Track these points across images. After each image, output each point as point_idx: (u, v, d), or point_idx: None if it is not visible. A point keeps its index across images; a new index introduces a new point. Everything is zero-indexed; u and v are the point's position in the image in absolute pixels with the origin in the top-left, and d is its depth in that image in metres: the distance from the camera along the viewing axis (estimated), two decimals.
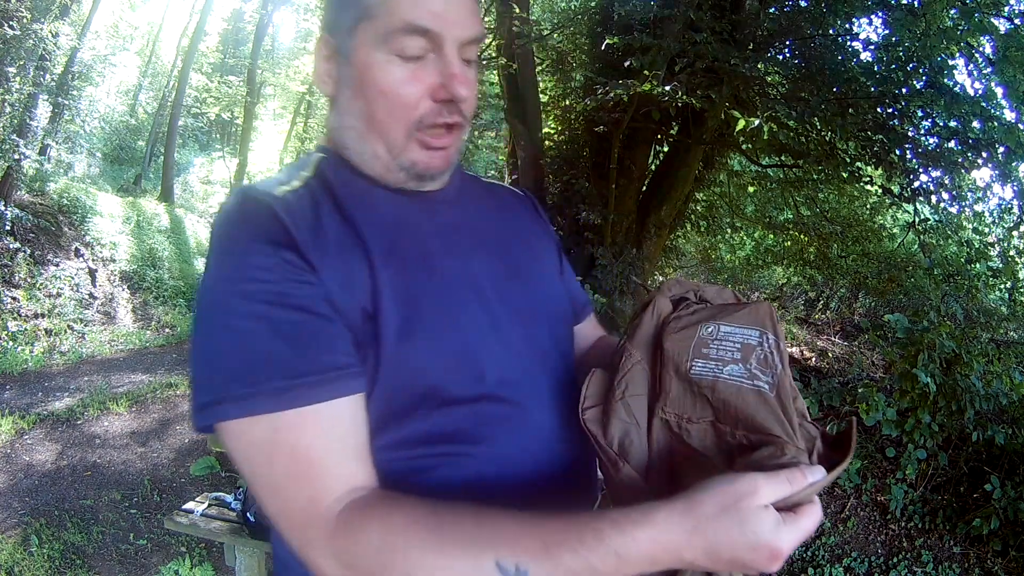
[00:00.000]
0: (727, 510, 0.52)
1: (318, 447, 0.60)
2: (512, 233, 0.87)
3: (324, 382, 0.61)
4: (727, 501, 0.53)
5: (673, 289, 0.79)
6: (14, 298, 6.70)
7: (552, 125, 6.83)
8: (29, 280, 7.04)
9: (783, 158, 6.29)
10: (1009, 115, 5.01)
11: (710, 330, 0.70)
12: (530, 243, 0.89)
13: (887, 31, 5.10)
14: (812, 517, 0.55)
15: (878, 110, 4.82)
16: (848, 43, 5.30)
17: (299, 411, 0.59)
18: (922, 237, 5.68)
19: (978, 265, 5.54)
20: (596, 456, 0.73)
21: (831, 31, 5.07)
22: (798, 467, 0.57)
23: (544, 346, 0.81)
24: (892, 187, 5.56)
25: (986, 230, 6.01)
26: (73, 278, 7.66)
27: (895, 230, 8.14)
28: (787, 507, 0.54)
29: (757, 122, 4.79)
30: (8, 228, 7.19)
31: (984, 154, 4.68)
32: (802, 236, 7.69)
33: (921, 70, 4.78)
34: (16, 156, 7.44)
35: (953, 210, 5.72)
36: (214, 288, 0.63)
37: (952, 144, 4.81)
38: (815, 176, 6.54)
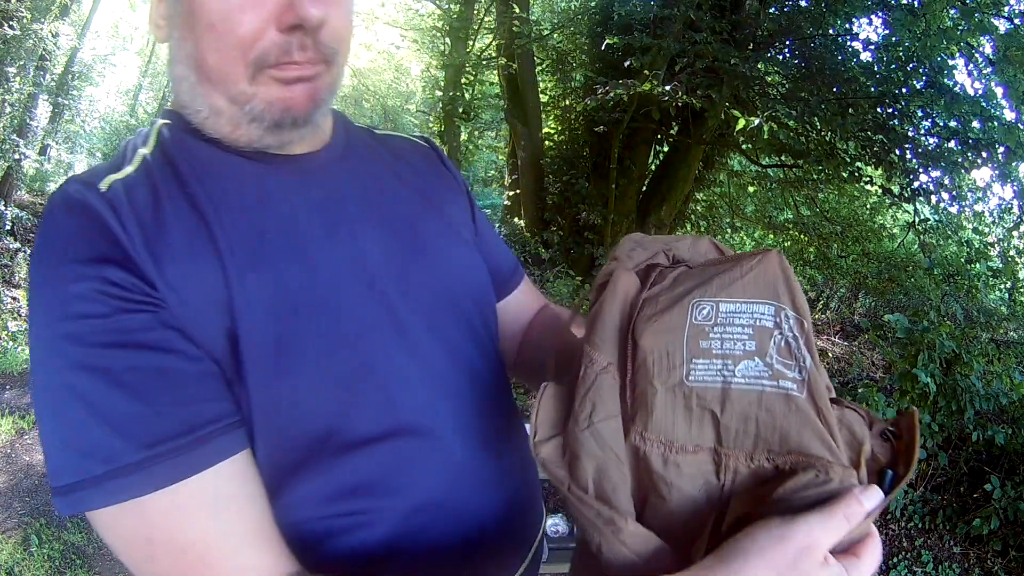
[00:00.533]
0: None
1: (203, 537, 0.47)
2: (413, 195, 0.69)
3: (193, 446, 0.48)
4: (781, 564, 0.41)
5: (635, 255, 0.58)
6: (14, 298, 6.71)
7: (552, 125, 6.83)
8: (29, 280, 7.04)
9: (783, 158, 6.29)
10: (1009, 115, 5.01)
11: (706, 312, 0.50)
12: (435, 205, 0.71)
13: (887, 31, 5.11)
14: (874, 555, 0.44)
15: (878, 110, 4.83)
16: (848, 43, 5.31)
17: (169, 491, 0.46)
18: (922, 237, 5.68)
19: (978, 265, 5.54)
20: (543, 488, 0.59)
21: (831, 31, 5.07)
22: (852, 494, 0.44)
23: (462, 345, 0.65)
24: (892, 187, 5.57)
25: (986, 230, 6.01)
26: None
27: (895, 230, 8.14)
28: (844, 549, 0.44)
29: (757, 122, 4.80)
30: (8, 228, 7.19)
31: (984, 154, 4.68)
32: (802, 236, 7.68)
33: (921, 70, 4.78)
34: (16, 156, 7.45)
35: (953, 210, 5.73)
36: (38, 334, 0.49)
37: (952, 144, 4.82)
38: (815, 176, 6.54)
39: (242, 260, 0.53)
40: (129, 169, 0.55)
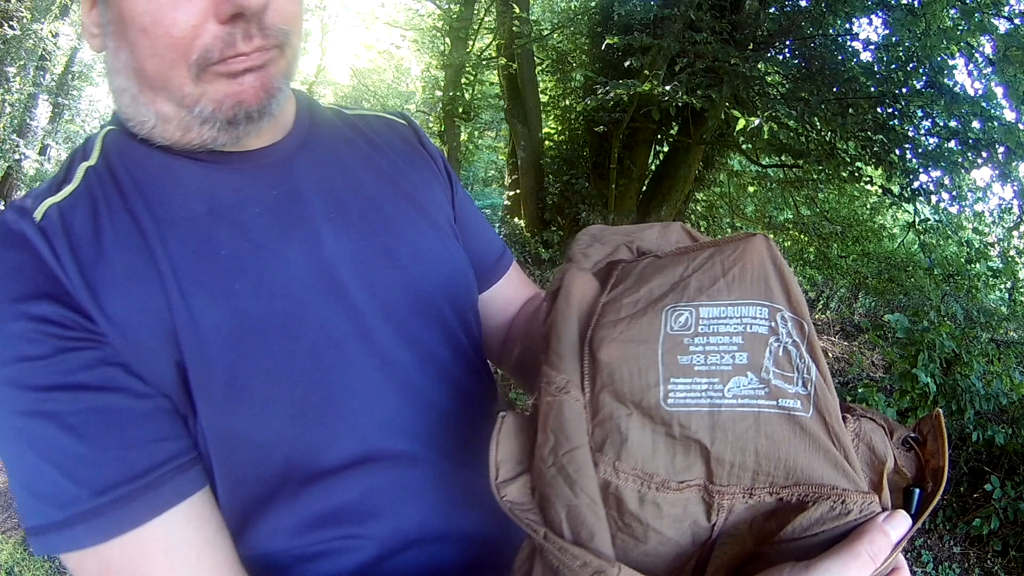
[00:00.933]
0: None
1: None
2: (383, 183, 0.63)
3: (145, 490, 0.46)
4: None
5: (592, 252, 0.48)
6: None
7: (552, 125, 6.83)
8: None
9: (783, 158, 6.30)
10: (1009, 115, 5.01)
11: (683, 319, 0.41)
12: (408, 192, 0.64)
13: (887, 31, 5.11)
14: None
15: (878, 110, 4.83)
16: (848, 43, 5.31)
17: (125, 539, 0.45)
18: (922, 237, 5.68)
19: (978, 265, 5.54)
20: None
21: (831, 31, 5.07)
22: (875, 525, 0.38)
23: (437, 350, 0.60)
24: (892, 187, 5.57)
25: (986, 230, 6.02)
26: None
27: (895, 230, 8.15)
28: None
29: (757, 122, 4.80)
30: None
31: (984, 154, 4.68)
32: (802, 236, 7.69)
33: (921, 70, 4.78)
34: (16, 156, 7.45)
35: (953, 210, 5.74)
36: None
37: (952, 144, 4.82)
38: (815, 176, 6.54)
39: (188, 283, 0.49)
40: (69, 188, 0.52)
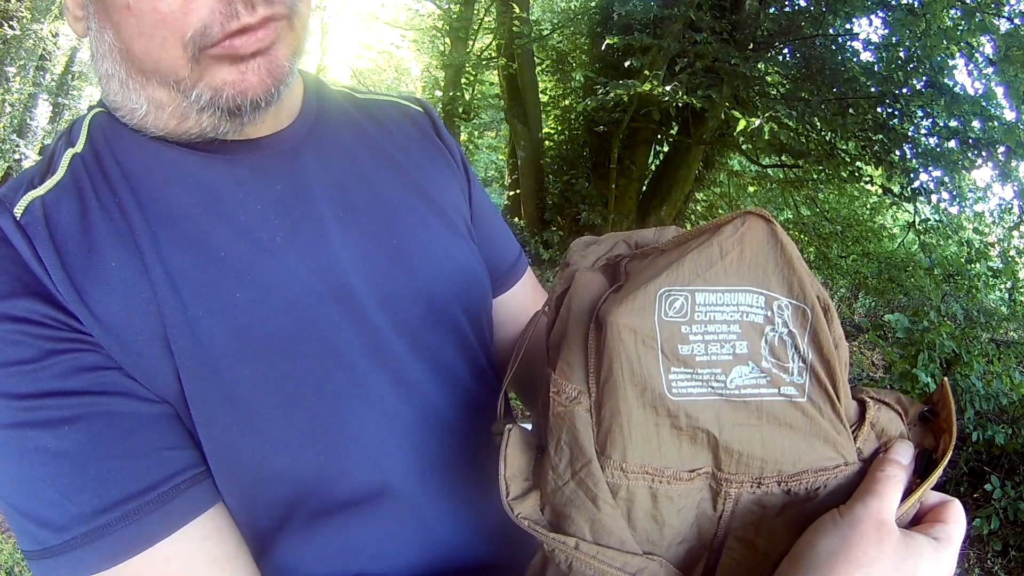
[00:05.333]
0: (874, 567, 0.34)
1: None
2: (395, 177, 0.57)
3: (157, 504, 0.41)
4: (866, 554, 0.34)
5: (590, 252, 0.48)
6: None
7: (552, 125, 6.83)
8: None
9: (783, 158, 6.30)
10: (1009, 115, 5.01)
11: (678, 304, 0.38)
12: (423, 187, 0.58)
13: (887, 31, 5.11)
14: (960, 518, 0.38)
15: (878, 110, 4.83)
16: (848, 43, 5.31)
17: (137, 562, 0.40)
18: (922, 237, 5.68)
19: (978, 265, 5.54)
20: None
21: (831, 31, 5.07)
22: (878, 459, 0.39)
23: (457, 369, 0.56)
24: (892, 187, 5.57)
25: (986, 230, 6.01)
26: None
27: (895, 230, 8.15)
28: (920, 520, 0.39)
29: (758, 122, 4.80)
30: None
31: (984, 154, 4.68)
32: (802, 236, 7.69)
33: (921, 70, 4.78)
34: (16, 156, 7.46)
35: (953, 210, 5.74)
36: None
37: (952, 144, 4.82)
38: (815, 176, 6.54)
39: (185, 290, 0.44)
40: (54, 179, 0.46)
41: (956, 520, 0.38)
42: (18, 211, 0.44)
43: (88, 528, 0.39)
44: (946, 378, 0.46)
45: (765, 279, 0.39)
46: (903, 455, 0.38)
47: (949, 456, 0.39)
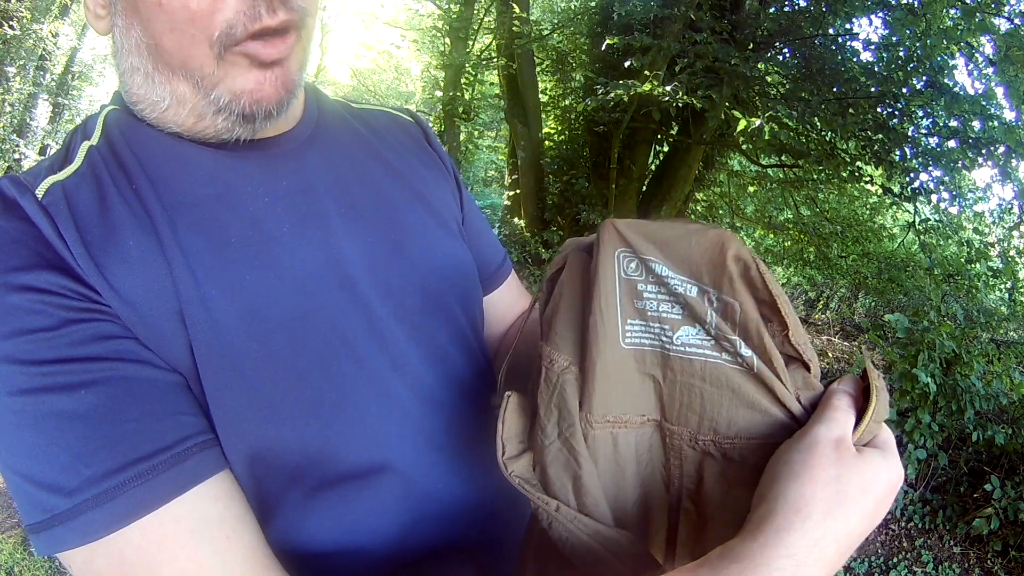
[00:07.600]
0: (838, 479, 0.37)
1: (194, 569, 0.41)
2: (393, 181, 0.61)
3: (170, 464, 0.42)
4: (826, 471, 0.37)
5: (586, 239, 0.52)
6: None
7: (552, 125, 6.83)
8: None
9: (783, 158, 6.30)
10: (1009, 115, 5.01)
11: (633, 265, 0.43)
12: (419, 191, 0.63)
13: (887, 31, 5.11)
14: (884, 427, 0.42)
15: (878, 110, 4.83)
16: (848, 43, 5.31)
17: (148, 522, 0.41)
18: (922, 237, 5.68)
19: (978, 265, 5.54)
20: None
21: (831, 31, 5.07)
22: (833, 394, 0.42)
23: (452, 355, 0.60)
24: (892, 187, 5.57)
25: (986, 230, 6.02)
26: None
27: (895, 230, 8.15)
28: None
29: (758, 122, 4.80)
30: None
31: (984, 154, 4.68)
32: (802, 236, 7.69)
33: (921, 70, 4.78)
34: (16, 156, 7.46)
35: (953, 210, 5.74)
36: None
37: (952, 144, 4.82)
38: (815, 176, 6.54)
39: (200, 271, 0.47)
40: (72, 167, 0.49)
41: (885, 428, 0.43)
42: (40, 192, 0.46)
43: (100, 490, 0.40)
44: (865, 358, 0.49)
45: (697, 276, 0.42)
46: (850, 386, 0.43)
47: (871, 412, 0.41)
